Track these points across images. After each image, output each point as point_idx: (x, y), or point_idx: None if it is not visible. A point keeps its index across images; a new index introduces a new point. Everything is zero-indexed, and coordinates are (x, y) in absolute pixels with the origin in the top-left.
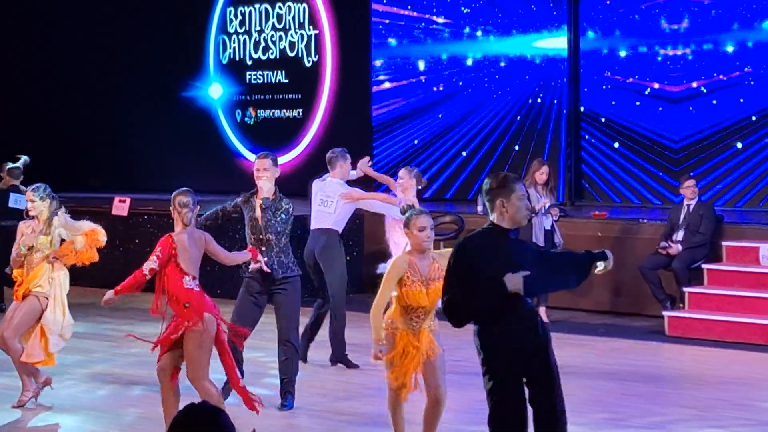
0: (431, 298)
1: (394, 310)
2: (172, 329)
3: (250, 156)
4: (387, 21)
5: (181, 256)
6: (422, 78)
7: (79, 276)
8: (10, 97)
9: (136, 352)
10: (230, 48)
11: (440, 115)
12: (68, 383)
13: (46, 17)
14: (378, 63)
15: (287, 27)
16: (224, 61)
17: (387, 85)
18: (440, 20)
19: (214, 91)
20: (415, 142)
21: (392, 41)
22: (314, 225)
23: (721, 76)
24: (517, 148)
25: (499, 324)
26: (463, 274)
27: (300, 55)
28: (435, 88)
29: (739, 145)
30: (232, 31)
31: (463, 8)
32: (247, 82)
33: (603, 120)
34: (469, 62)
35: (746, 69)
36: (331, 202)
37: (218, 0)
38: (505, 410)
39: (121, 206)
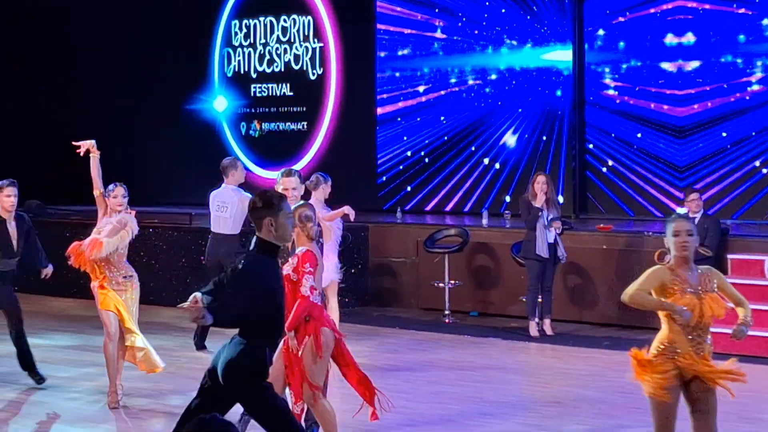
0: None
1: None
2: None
3: (255, 169)
4: (392, 33)
5: (318, 271)
6: (427, 91)
7: (87, 289)
8: (15, 110)
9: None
10: (235, 61)
11: (445, 128)
12: (74, 395)
13: (51, 30)
14: (383, 75)
15: (292, 40)
16: (229, 74)
17: (394, 99)
18: (444, 34)
19: (219, 104)
20: (421, 154)
21: (397, 53)
22: (214, 229)
23: (725, 89)
24: (522, 161)
25: None
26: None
27: (305, 68)
28: (439, 101)
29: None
30: (237, 44)
31: (467, 20)
32: (252, 95)
33: (608, 133)
34: (474, 75)
35: (753, 83)
36: (226, 208)
37: (223, 13)
38: None
39: None
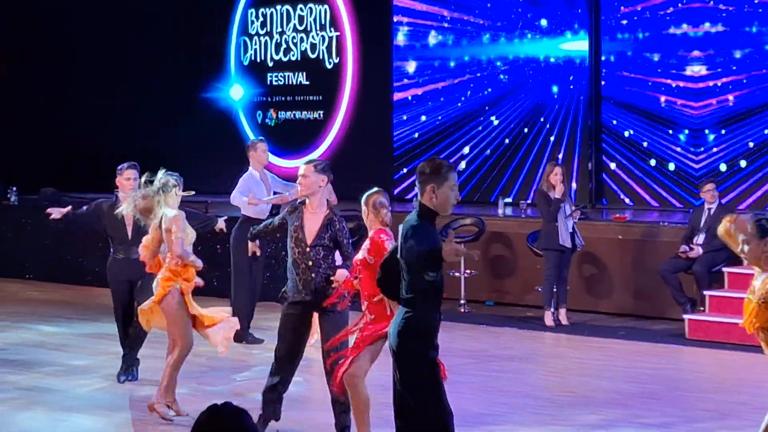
0: None
1: None
2: (373, 330)
3: (272, 158)
4: (408, 22)
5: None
6: (444, 80)
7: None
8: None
9: (154, 353)
10: (251, 49)
11: (462, 118)
12: (89, 382)
13: (66, 19)
14: (399, 64)
15: (308, 29)
16: (245, 63)
17: (409, 86)
18: (462, 21)
19: (235, 92)
20: (435, 144)
21: (414, 43)
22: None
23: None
24: (538, 150)
25: None
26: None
27: (321, 57)
28: (457, 91)
29: (750, 144)
30: (253, 32)
31: (480, 9)
32: (268, 83)
33: (624, 123)
34: (492, 64)
35: None
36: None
37: (239, 1)
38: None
39: None
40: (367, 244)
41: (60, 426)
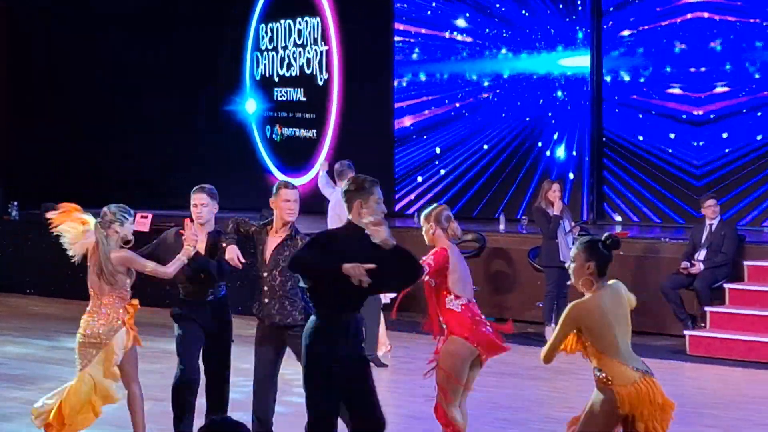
0: None
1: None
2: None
3: (277, 174)
4: (402, 36)
5: (452, 273)
6: (442, 97)
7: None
8: (43, 113)
9: (159, 368)
10: (261, 64)
11: (461, 134)
12: None
13: (88, 31)
14: (398, 81)
15: (305, 43)
16: (257, 77)
17: (407, 107)
18: (461, 35)
19: (250, 106)
20: (436, 162)
21: (404, 58)
22: None
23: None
24: (540, 167)
25: None
26: None
27: (314, 73)
28: (455, 105)
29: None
30: (263, 47)
31: (475, 23)
32: (275, 98)
33: (625, 139)
34: (490, 80)
35: None
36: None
37: (253, 16)
38: None
39: (142, 222)
40: (430, 260)
41: None
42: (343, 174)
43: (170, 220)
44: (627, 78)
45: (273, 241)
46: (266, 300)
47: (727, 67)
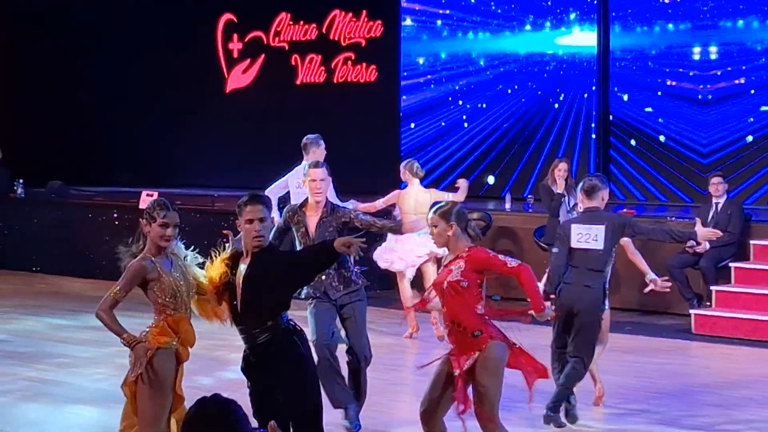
0: None
1: None
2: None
3: None
4: (416, 15)
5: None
6: (446, 76)
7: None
8: (48, 91)
9: None
10: None
11: (465, 112)
12: (95, 375)
13: (91, 19)
14: (405, 61)
15: None
16: None
17: (414, 85)
18: (465, 14)
19: None
20: (444, 138)
21: (419, 37)
22: None
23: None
24: (547, 147)
25: None
26: None
27: None
28: (459, 82)
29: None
30: None
31: (481, 1)
32: None
33: (632, 117)
34: (494, 58)
35: None
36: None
37: None
38: None
39: (148, 200)
40: (461, 264)
41: (67, 418)
42: (307, 147)
43: (176, 198)
44: (634, 57)
45: (313, 219)
46: (323, 276)
47: (734, 46)
